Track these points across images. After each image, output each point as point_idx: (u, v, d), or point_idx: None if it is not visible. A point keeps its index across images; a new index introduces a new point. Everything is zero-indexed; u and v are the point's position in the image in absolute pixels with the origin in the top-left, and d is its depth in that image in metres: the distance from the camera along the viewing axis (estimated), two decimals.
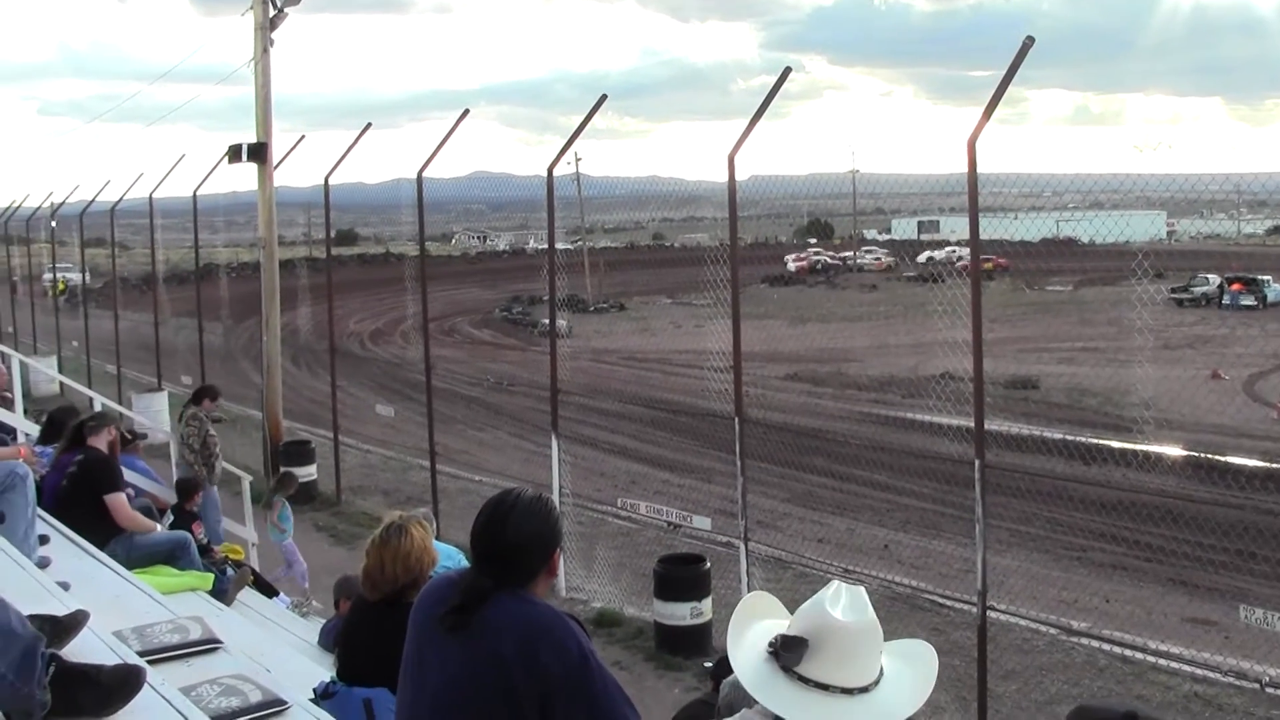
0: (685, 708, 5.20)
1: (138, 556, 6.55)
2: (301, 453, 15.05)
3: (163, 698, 3.05)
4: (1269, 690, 7.88)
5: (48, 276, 29.32)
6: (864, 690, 2.20)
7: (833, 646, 2.19)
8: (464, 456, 17.97)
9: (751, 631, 2.35)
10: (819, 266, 44.96)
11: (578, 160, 16.81)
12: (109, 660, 3.15)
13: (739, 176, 9.23)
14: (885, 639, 2.30)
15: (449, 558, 5.33)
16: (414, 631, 2.93)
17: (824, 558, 11.38)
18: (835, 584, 2.29)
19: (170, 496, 8.99)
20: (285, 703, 3.48)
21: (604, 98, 10.70)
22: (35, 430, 8.67)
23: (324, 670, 4.84)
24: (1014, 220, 10.20)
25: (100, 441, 7.05)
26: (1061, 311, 32.32)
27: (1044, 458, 12.14)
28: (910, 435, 17.44)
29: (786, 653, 2.20)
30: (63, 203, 25.55)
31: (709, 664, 6.11)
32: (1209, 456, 13.28)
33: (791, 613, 2.38)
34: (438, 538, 4.94)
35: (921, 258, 44.88)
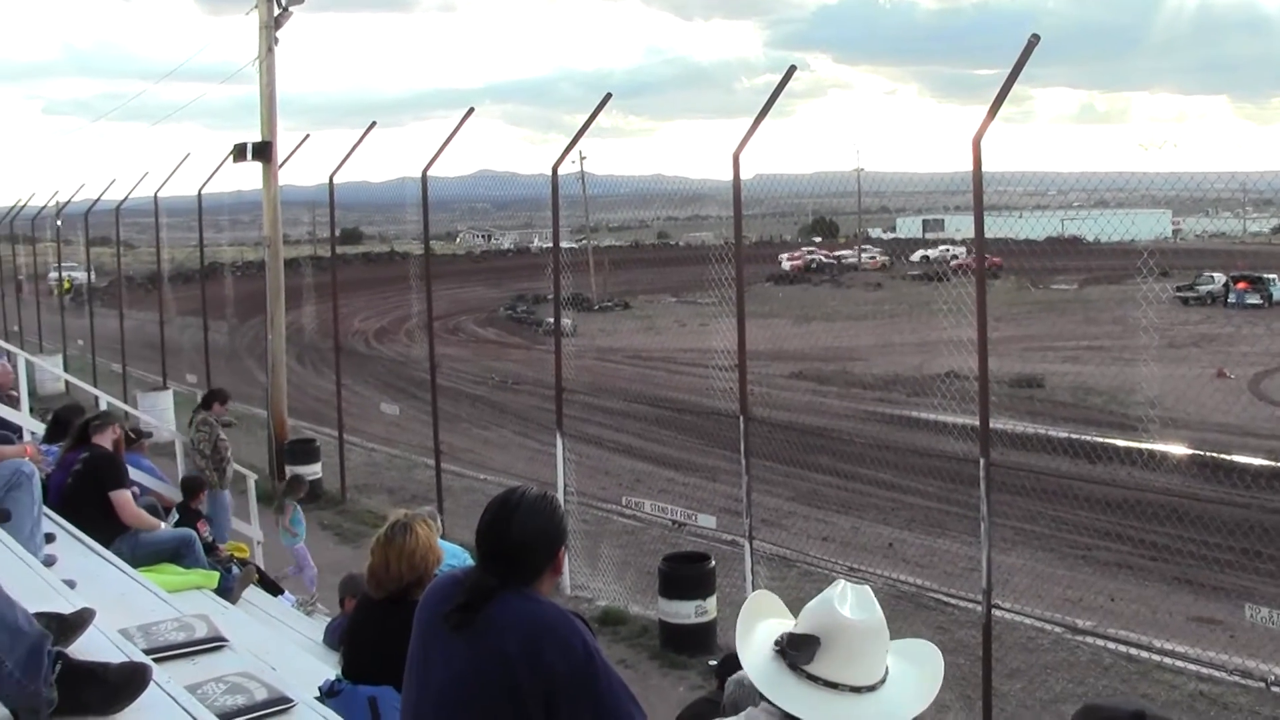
0: (690, 706, 5.20)
1: (143, 554, 6.56)
2: (306, 451, 15.06)
3: (168, 695, 3.05)
4: (1274, 689, 7.88)
5: (53, 275, 29.38)
6: (871, 689, 2.21)
7: (841, 645, 2.19)
8: (469, 455, 17.99)
9: (758, 630, 2.35)
10: (813, 265, 44.95)
11: (582, 159, 16.79)
12: (115, 658, 3.15)
13: (744, 175, 9.23)
14: (890, 638, 2.30)
15: (454, 557, 5.33)
16: (419, 629, 2.93)
17: (829, 556, 11.38)
18: (841, 583, 2.29)
19: (175, 495, 9.00)
20: (290, 701, 3.48)
21: (608, 96, 10.70)
22: (41, 429, 8.68)
23: (329, 668, 4.85)
24: (1019, 219, 10.20)
25: (105, 440, 7.05)
26: (1066, 310, 32.27)
27: (1049, 456, 12.13)
28: (915, 434, 17.42)
29: (797, 651, 2.20)
30: (68, 202, 25.59)
31: (714, 662, 6.11)
32: (1214, 455, 13.27)
33: (793, 612, 2.38)
34: (442, 537, 4.94)
35: (916, 256, 44.98)
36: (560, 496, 9.94)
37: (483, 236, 68.08)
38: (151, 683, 2.97)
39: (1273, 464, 14.30)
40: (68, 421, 7.76)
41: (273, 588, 8.54)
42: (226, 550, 8.19)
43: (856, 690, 2.19)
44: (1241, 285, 31.20)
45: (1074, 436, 13.60)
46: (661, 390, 22.45)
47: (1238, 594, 10.01)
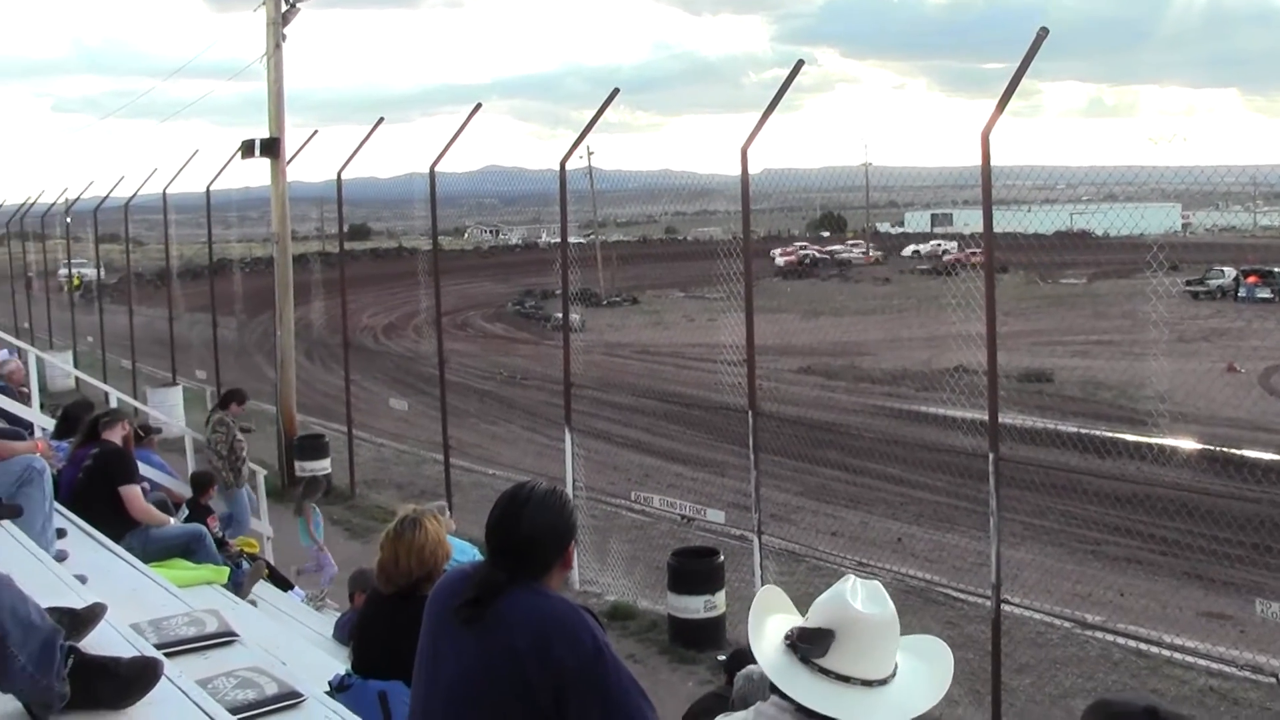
0: (699, 701, 5.22)
1: (154, 550, 6.59)
2: (316, 447, 15.10)
3: (180, 690, 3.06)
4: None
5: (63, 272, 29.48)
6: (882, 683, 2.22)
7: (854, 639, 2.20)
8: (477, 450, 18.01)
9: (769, 625, 2.36)
10: (806, 261, 44.78)
11: (590, 154, 16.85)
12: (126, 653, 3.16)
13: (752, 170, 9.22)
14: (900, 634, 2.30)
15: (462, 553, 5.33)
16: (429, 624, 2.94)
17: (837, 551, 11.38)
18: (851, 578, 2.30)
19: (185, 491, 9.03)
20: (301, 695, 3.49)
21: (616, 92, 10.70)
22: (51, 425, 8.71)
23: (339, 663, 4.86)
24: (1028, 213, 10.16)
25: (115, 435, 7.08)
26: (1076, 304, 32.16)
27: (1058, 451, 12.12)
28: (924, 429, 17.38)
29: (811, 644, 2.21)
30: (77, 199, 25.70)
31: (722, 657, 6.12)
32: (1224, 450, 13.21)
33: (802, 607, 2.39)
34: (451, 533, 4.94)
35: (907, 251, 44.76)
36: (569, 491, 9.97)
37: (491, 232, 68.06)
38: (163, 677, 2.98)
39: None
40: (78, 417, 7.78)
41: (283, 583, 8.56)
42: (236, 545, 8.21)
43: (868, 684, 2.20)
44: (1252, 279, 31.03)
45: (1083, 431, 13.57)
46: (670, 385, 22.45)
47: (1248, 589, 9.97)
